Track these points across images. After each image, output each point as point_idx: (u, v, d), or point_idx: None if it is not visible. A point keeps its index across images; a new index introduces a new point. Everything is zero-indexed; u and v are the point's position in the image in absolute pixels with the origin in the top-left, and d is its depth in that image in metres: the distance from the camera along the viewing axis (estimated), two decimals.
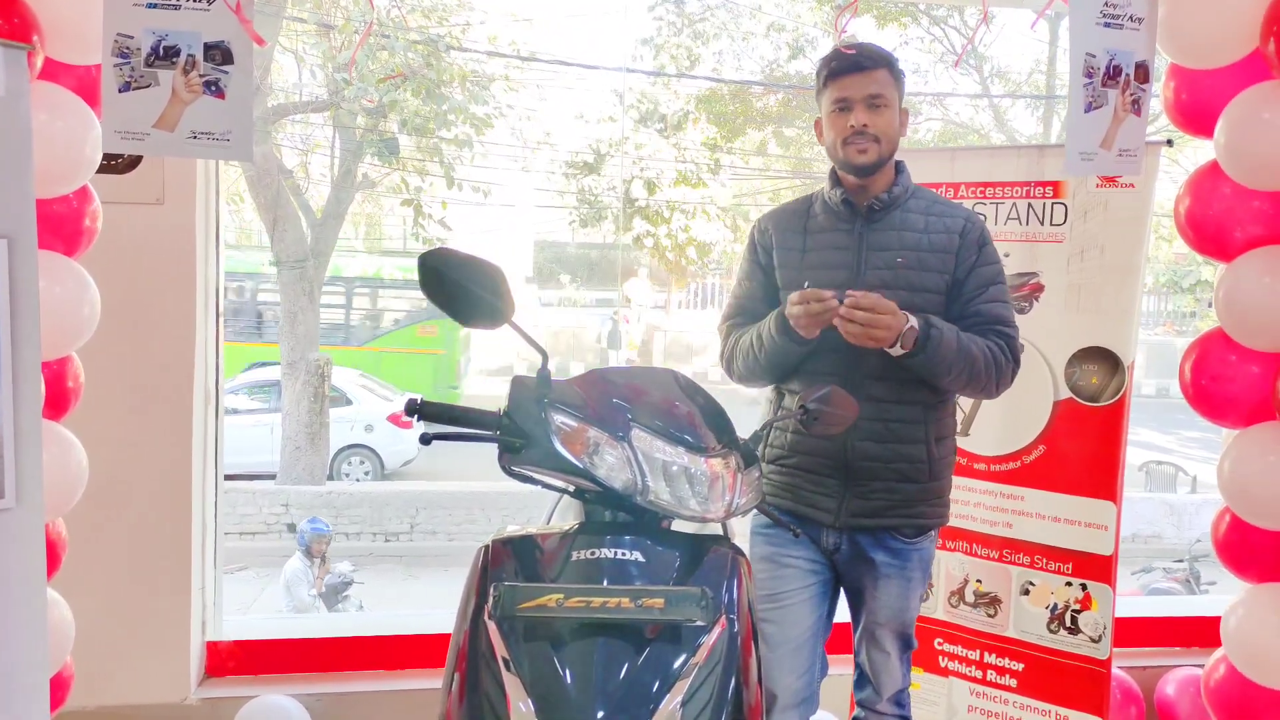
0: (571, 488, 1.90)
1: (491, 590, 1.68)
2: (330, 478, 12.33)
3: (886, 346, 2.04)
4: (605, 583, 1.71)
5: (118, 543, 2.97)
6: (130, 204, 2.99)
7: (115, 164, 2.96)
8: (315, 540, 8.41)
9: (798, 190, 16.04)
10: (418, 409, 1.80)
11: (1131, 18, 2.03)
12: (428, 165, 12.91)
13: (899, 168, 2.23)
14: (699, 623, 1.65)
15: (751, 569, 1.89)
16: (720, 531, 2.04)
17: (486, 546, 1.84)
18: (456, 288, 1.74)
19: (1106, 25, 1.94)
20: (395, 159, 12.43)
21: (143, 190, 3.01)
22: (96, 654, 2.56)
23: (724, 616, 1.69)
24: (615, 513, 1.86)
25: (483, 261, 1.78)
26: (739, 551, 1.86)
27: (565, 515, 2.51)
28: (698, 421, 1.89)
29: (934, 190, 2.28)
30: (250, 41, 1.98)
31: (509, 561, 1.80)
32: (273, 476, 11.72)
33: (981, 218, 2.79)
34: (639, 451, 1.78)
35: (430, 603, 9.00)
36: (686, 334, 19.45)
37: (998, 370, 2.15)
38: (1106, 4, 1.93)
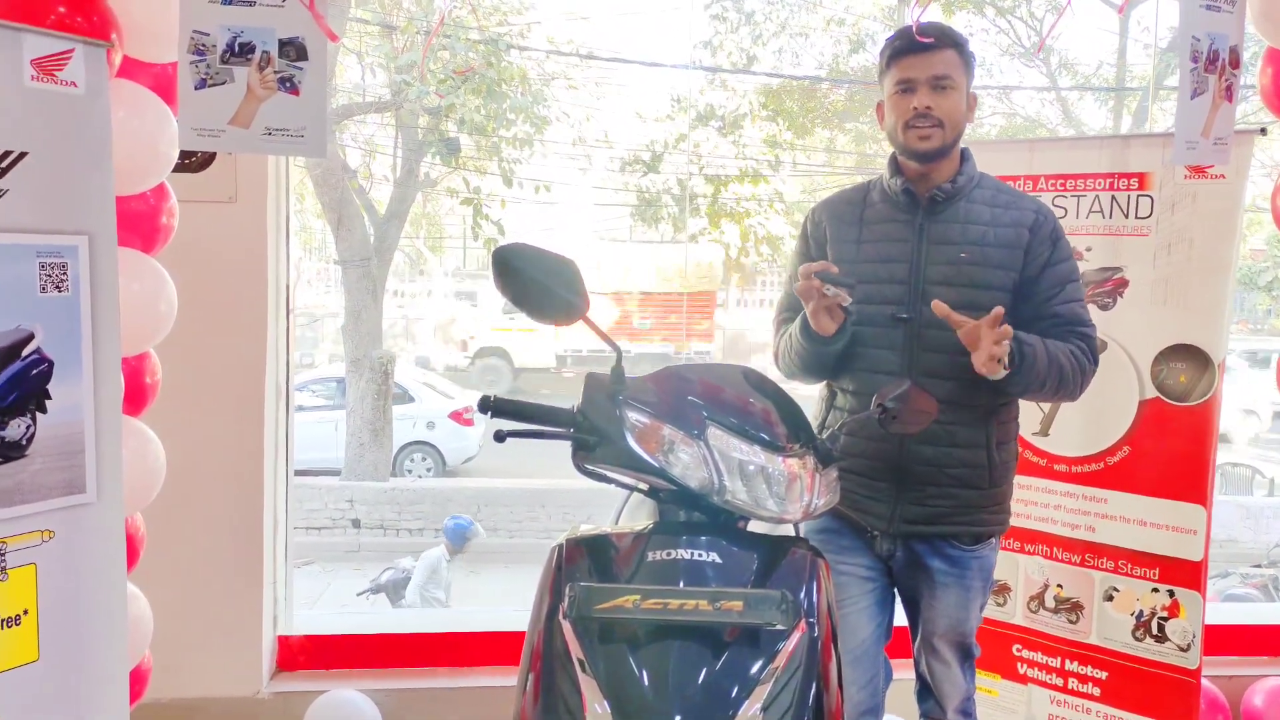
0: (646, 486, 1.87)
1: (567, 590, 1.66)
2: (393, 474, 12.46)
3: (998, 375, 1.95)
4: (681, 584, 1.67)
5: (192, 537, 3.00)
6: (204, 202, 3.02)
7: (189, 163, 3.00)
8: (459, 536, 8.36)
9: None
10: (491, 405, 1.78)
11: (1228, 0, 1.94)
12: (487, 164, 12.98)
13: (964, 155, 2.12)
14: (779, 626, 1.61)
15: (830, 570, 1.84)
16: (795, 532, 2.00)
17: (560, 545, 1.82)
18: (531, 282, 1.72)
19: (1207, 8, 1.85)
20: (455, 158, 12.51)
21: (216, 189, 3.04)
22: (172, 646, 2.58)
23: (803, 620, 1.65)
24: (690, 512, 1.82)
25: (557, 256, 1.76)
26: (817, 553, 1.82)
27: (635, 514, 2.48)
28: (774, 419, 1.85)
29: (1002, 180, 2.18)
30: (324, 37, 1.98)
31: (583, 561, 1.77)
32: (337, 473, 11.88)
33: (1061, 212, 2.73)
34: (715, 450, 1.74)
35: (493, 599, 9.05)
36: (748, 332, 19.29)
37: (1082, 375, 2.06)
38: None
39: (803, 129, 15.86)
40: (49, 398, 1.74)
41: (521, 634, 3.06)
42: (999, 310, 1.90)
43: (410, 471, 13.04)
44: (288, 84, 1.99)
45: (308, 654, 3.31)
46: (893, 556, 2.13)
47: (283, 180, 3.24)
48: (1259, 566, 8.51)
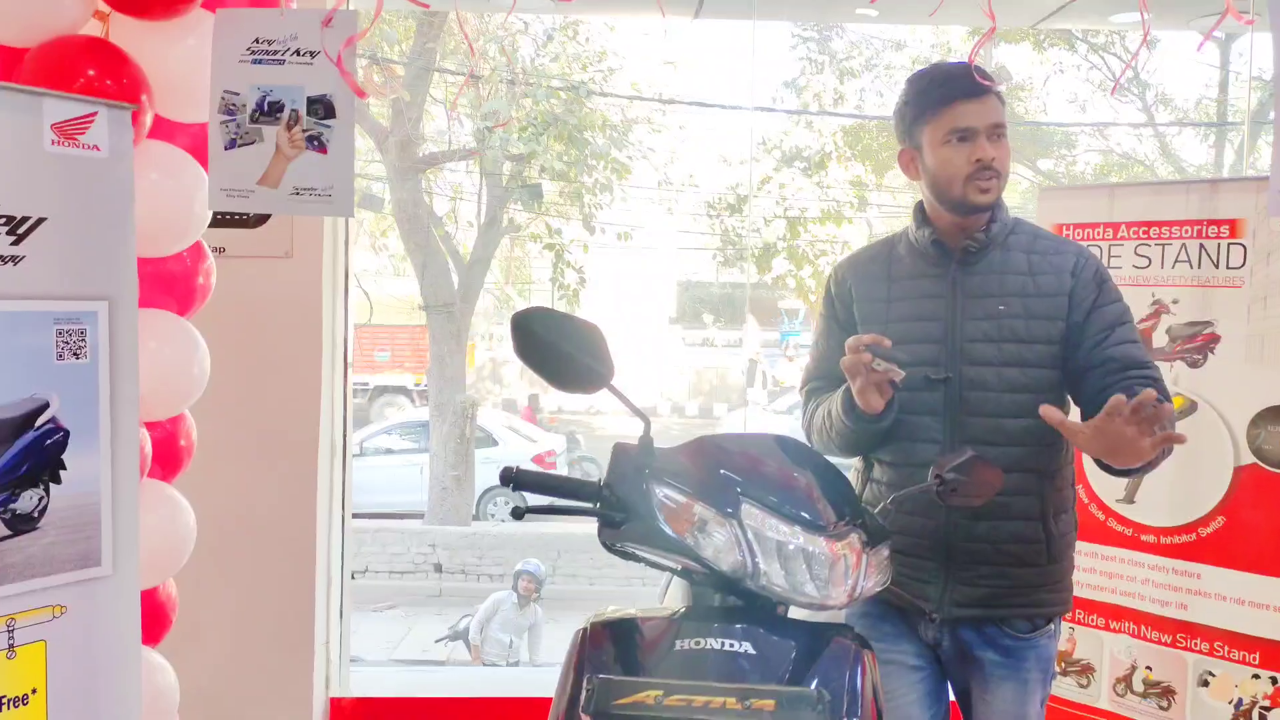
0: (678, 566, 1.75)
1: (585, 683, 1.54)
2: (476, 518, 12.49)
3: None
4: (711, 677, 1.54)
5: (241, 597, 2.97)
6: (259, 257, 3.03)
7: (246, 218, 3.01)
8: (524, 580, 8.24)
9: None
10: (514, 478, 1.68)
11: None
12: (569, 210, 13.08)
13: (997, 201, 1.95)
14: None
15: (877, 660, 1.69)
16: (843, 618, 1.84)
17: (585, 629, 1.70)
18: (552, 350, 1.63)
19: None
20: (538, 204, 12.63)
21: (271, 244, 3.05)
22: (217, 712, 2.54)
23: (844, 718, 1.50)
24: (726, 596, 1.69)
25: (580, 321, 1.66)
26: (864, 642, 1.67)
27: (679, 591, 2.35)
28: (815, 494, 1.71)
29: (1037, 225, 2.02)
30: (352, 94, 1.94)
31: (608, 647, 1.65)
32: (421, 516, 11.96)
33: (1144, 262, 2.54)
34: (749, 529, 1.61)
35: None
36: None
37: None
38: None
39: (884, 165, 15.68)
40: (64, 468, 1.69)
41: None
42: (1148, 393, 1.63)
43: (493, 516, 13.07)
44: (316, 142, 1.95)
45: (363, 718, 3.23)
46: (939, 645, 1.96)
47: (340, 233, 3.23)
48: None
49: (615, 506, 1.67)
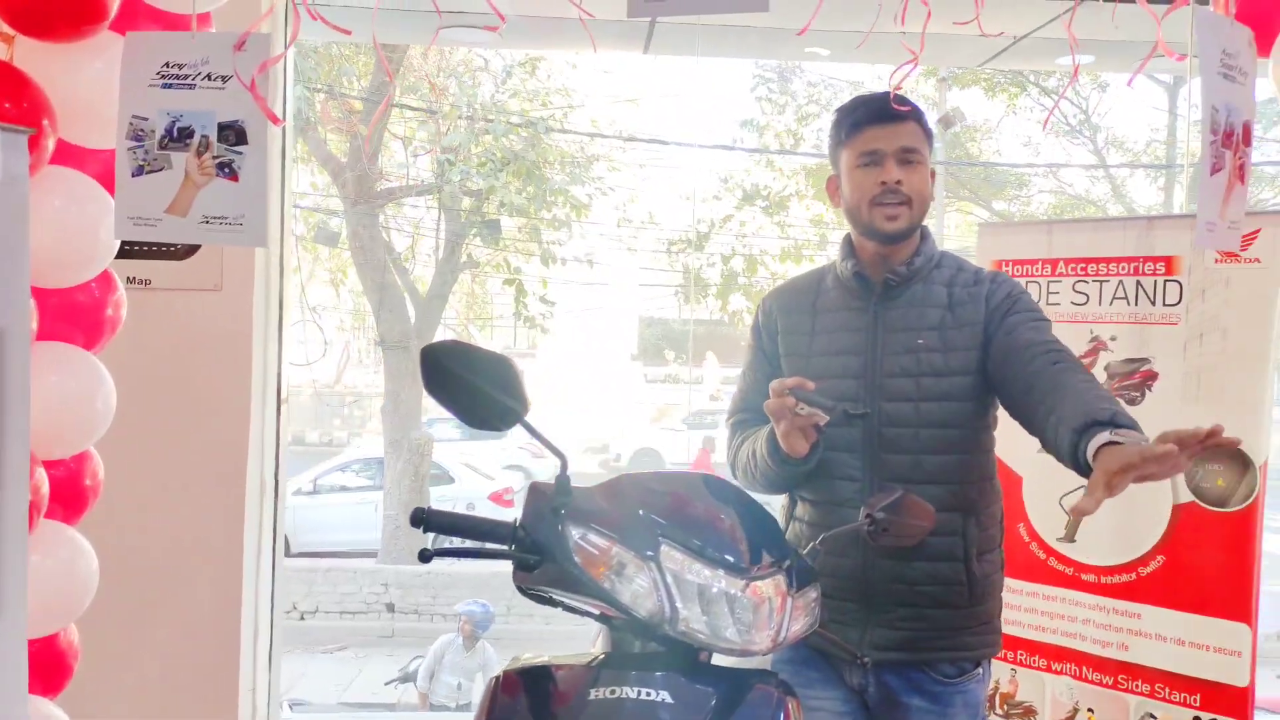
0: (596, 611, 1.67)
1: None
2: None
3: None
4: None
5: (162, 643, 2.86)
6: (188, 290, 2.95)
7: (173, 249, 2.93)
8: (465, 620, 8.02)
9: None
10: (424, 519, 1.61)
11: (1241, 70, 1.76)
12: (530, 245, 13.05)
13: (923, 234, 1.92)
14: None
15: (801, 707, 1.62)
16: (769, 665, 1.78)
17: (497, 678, 1.63)
18: (463, 385, 1.56)
19: (1225, 76, 1.67)
20: (497, 240, 12.59)
21: (200, 276, 2.97)
22: None
23: None
24: (645, 642, 1.62)
25: (492, 354, 1.60)
26: (788, 689, 1.60)
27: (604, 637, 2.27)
28: (740, 535, 1.64)
29: (961, 258, 1.99)
30: (265, 120, 1.87)
31: (520, 697, 1.58)
32: (375, 554, 11.76)
33: (1082, 299, 2.52)
34: (669, 573, 1.55)
35: None
36: None
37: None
38: (1225, 52, 1.66)
39: None
40: None
41: None
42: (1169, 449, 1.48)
43: None
44: (226, 170, 1.88)
45: None
46: (866, 691, 1.89)
47: (275, 265, 3.15)
48: None
49: (529, 549, 1.60)
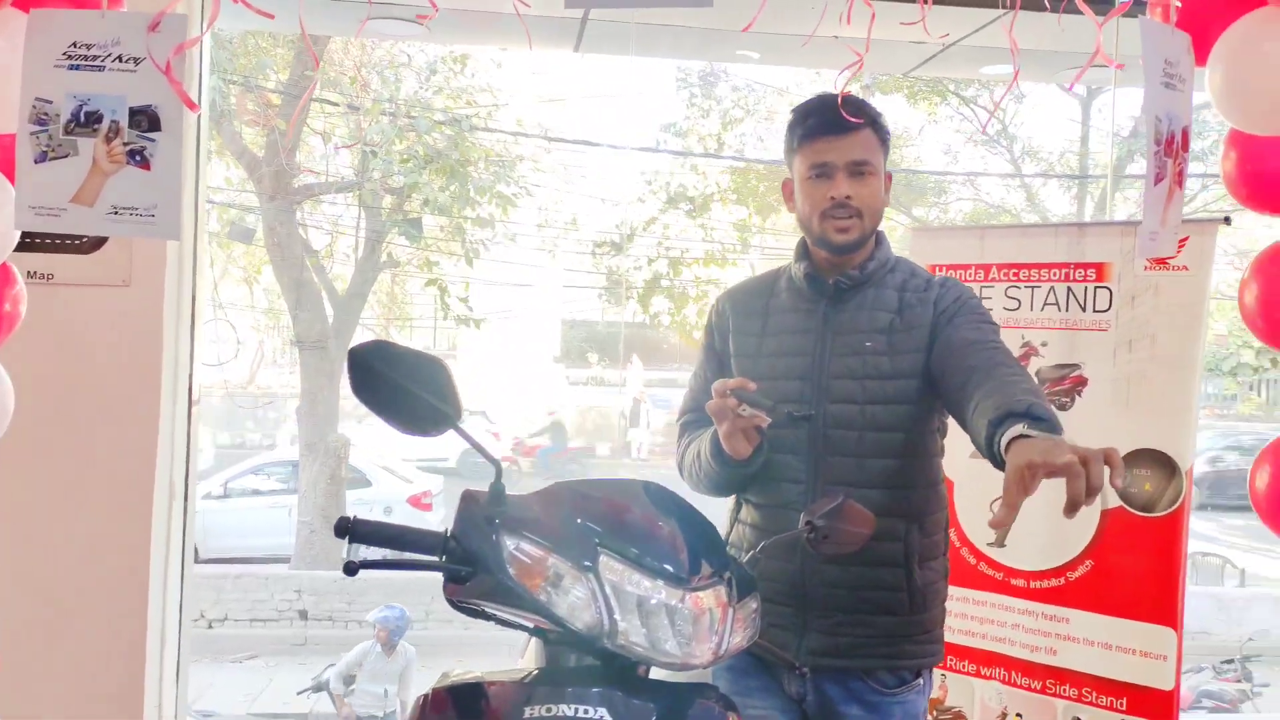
0: (531, 625, 1.61)
1: None
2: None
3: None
4: None
5: (62, 654, 2.70)
6: (94, 285, 2.80)
7: (79, 242, 2.78)
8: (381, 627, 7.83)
9: None
10: (349, 529, 1.52)
11: (1180, 77, 1.77)
12: (452, 245, 12.87)
13: (878, 239, 1.91)
14: None
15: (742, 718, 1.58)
16: (709, 678, 1.73)
17: (426, 695, 1.55)
18: (393, 388, 1.49)
19: (1166, 85, 1.67)
20: (419, 239, 12.39)
21: (108, 271, 2.82)
22: None
23: None
24: (581, 656, 1.56)
25: (424, 356, 1.52)
26: (729, 704, 1.55)
27: (536, 650, 2.21)
28: (680, 544, 1.59)
29: (916, 264, 1.98)
30: (181, 106, 1.76)
31: (450, 715, 1.50)
32: (288, 560, 11.46)
33: (1014, 304, 2.53)
34: (608, 584, 1.49)
35: None
36: None
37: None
38: (1166, 60, 1.66)
39: (769, 208, 15.97)
40: None
41: None
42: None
43: (366, 559, 12.57)
44: (138, 157, 1.76)
45: None
46: (804, 699, 1.85)
47: (189, 261, 3.01)
48: (1231, 662, 8.21)
49: (461, 559, 1.53)
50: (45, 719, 2.63)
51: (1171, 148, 1.71)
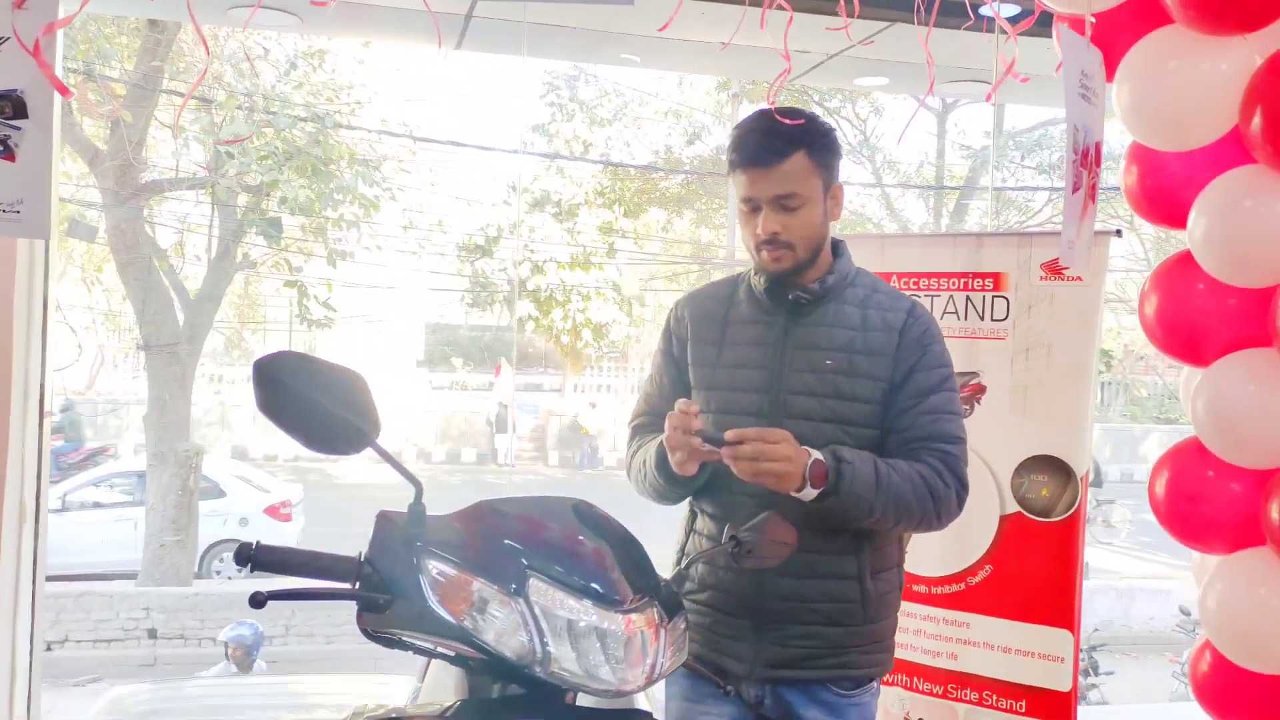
0: (452, 653, 1.51)
1: None
2: (199, 576, 11.45)
3: (793, 489, 1.69)
4: None
5: None
6: None
7: None
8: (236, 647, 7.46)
9: (695, 276, 16.04)
10: (250, 557, 1.39)
11: (1095, 91, 1.80)
12: (313, 245, 12.44)
13: (838, 250, 1.89)
14: None
15: None
16: (634, 701, 1.66)
17: None
18: (306, 403, 1.37)
19: (1083, 97, 1.69)
20: (278, 239, 11.91)
21: None
22: None
23: None
24: (505, 685, 1.47)
25: (339, 369, 1.41)
26: None
27: (441, 680, 2.09)
28: (609, 564, 1.52)
29: (879, 277, 1.97)
30: (52, 92, 1.60)
31: None
32: (134, 576, 10.84)
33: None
34: (537, 608, 1.40)
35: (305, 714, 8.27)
36: (581, 419, 19.02)
37: (935, 501, 1.78)
38: (1084, 73, 1.68)
39: (636, 210, 16.05)
40: None
41: None
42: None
43: (219, 573, 12.02)
44: (2, 147, 1.59)
45: None
46: (761, 704, 1.84)
47: (39, 260, 2.77)
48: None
49: (378, 586, 1.42)
50: None
51: (1087, 160, 1.74)
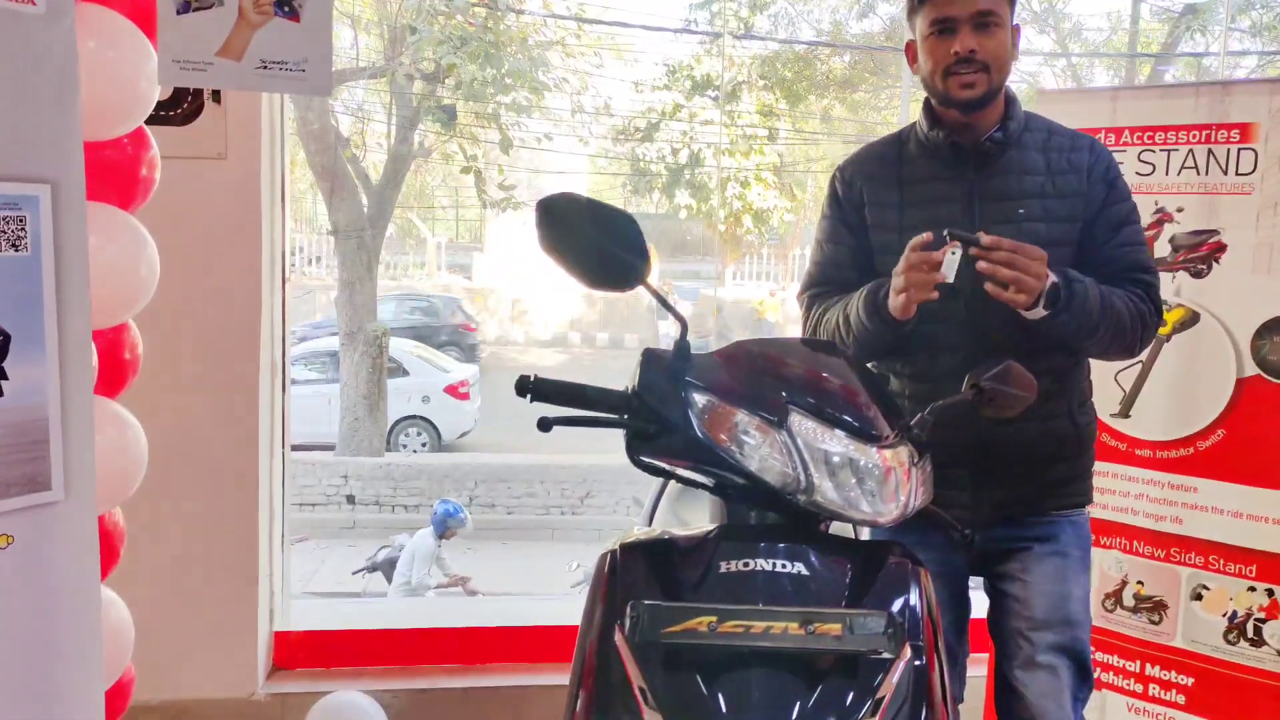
0: (711, 482, 1.60)
1: (628, 609, 1.39)
2: (388, 449, 12.20)
3: (1026, 308, 1.73)
4: (762, 601, 1.41)
5: (179, 528, 2.73)
6: (190, 159, 2.72)
7: (174, 114, 2.70)
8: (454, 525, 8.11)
9: None
10: (530, 387, 1.50)
11: None
12: (483, 131, 12.67)
13: (1009, 97, 1.87)
14: (885, 655, 1.34)
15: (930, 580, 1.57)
16: (884, 535, 1.72)
17: (614, 551, 1.55)
18: (583, 239, 1.45)
19: None
20: (453, 125, 12.20)
21: (203, 144, 2.74)
22: (160, 646, 2.32)
23: (908, 644, 1.38)
24: (763, 513, 1.55)
25: (613, 209, 1.48)
26: (917, 560, 1.55)
27: (673, 509, 2.20)
28: (863, 401, 1.57)
29: (1050, 120, 1.95)
30: None
31: (642, 570, 1.50)
32: (332, 447, 11.62)
33: (1148, 169, 2.46)
34: (799, 439, 1.47)
35: (492, 577, 8.82)
36: (743, 306, 18.96)
37: (1143, 326, 1.85)
38: None
39: (796, 96, 15.64)
40: (5, 377, 1.45)
41: (542, 629, 2.75)
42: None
43: (405, 446, 12.77)
44: (286, 8, 1.69)
45: (308, 651, 3.04)
46: (971, 543, 1.87)
47: (278, 136, 2.94)
48: None
49: (646, 417, 1.51)
50: (166, 590, 2.67)
51: None
